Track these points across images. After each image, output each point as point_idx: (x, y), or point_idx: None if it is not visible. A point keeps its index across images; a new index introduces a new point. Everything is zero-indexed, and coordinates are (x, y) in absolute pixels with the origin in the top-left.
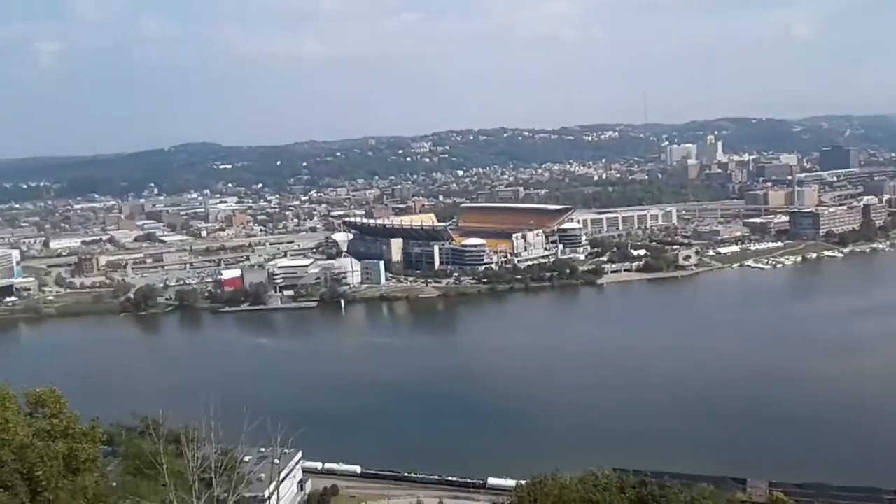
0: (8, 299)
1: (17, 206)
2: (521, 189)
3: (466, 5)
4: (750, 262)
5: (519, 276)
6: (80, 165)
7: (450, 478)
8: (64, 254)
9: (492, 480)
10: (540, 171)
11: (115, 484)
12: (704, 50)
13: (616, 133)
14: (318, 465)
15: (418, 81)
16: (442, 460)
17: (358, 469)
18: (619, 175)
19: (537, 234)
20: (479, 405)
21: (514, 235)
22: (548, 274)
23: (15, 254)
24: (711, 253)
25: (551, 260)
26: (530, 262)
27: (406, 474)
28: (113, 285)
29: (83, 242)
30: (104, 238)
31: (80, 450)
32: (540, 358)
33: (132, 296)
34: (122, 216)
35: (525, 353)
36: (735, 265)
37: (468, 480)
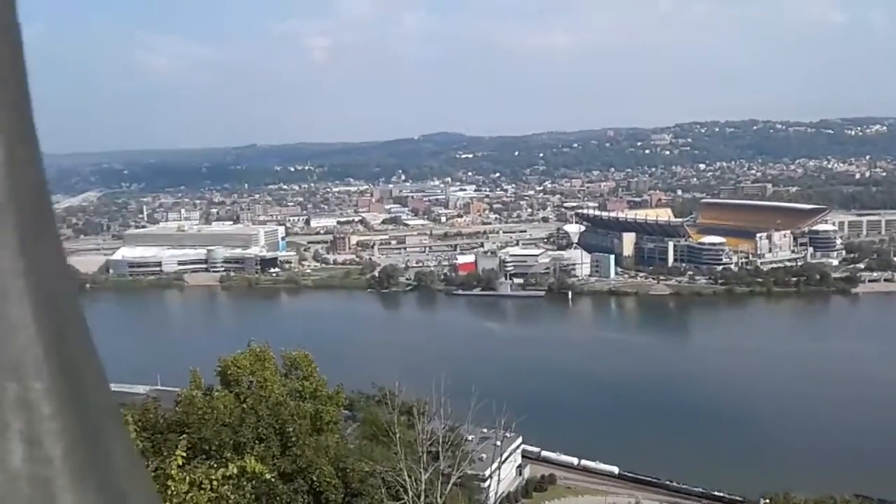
0: (273, 270)
1: (286, 187)
2: (769, 186)
3: None
4: None
5: (760, 280)
6: (340, 152)
7: (668, 482)
8: (322, 232)
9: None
10: (792, 166)
11: (352, 446)
12: None
13: (885, 127)
14: (537, 450)
15: (664, 71)
16: (660, 463)
17: (575, 461)
18: (885, 174)
19: (784, 235)
20: (704, 411)
21: (758, 235)
22: (794, 279)
23: (281, 230)
24: None
25: (799, 264)
26: (774, 265)
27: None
28: (361, 263)
29: (338, 222)
30: (356, 219)
31: (325, 412)
32: (777, 368)
33: (377, 274)
34: (373, 200)
35: (761, 362)
36: None
37: (684, 487)
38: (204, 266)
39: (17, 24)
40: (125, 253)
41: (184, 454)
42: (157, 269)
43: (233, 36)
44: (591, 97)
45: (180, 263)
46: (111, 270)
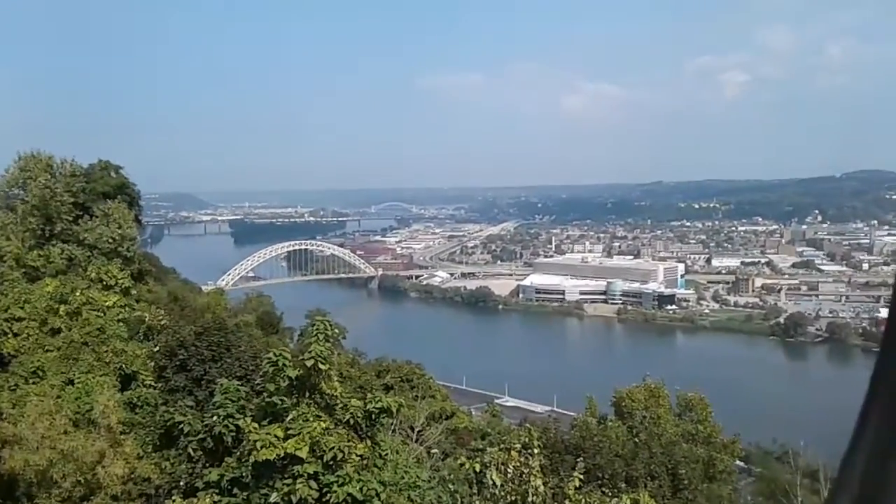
0: (669, 307)
1: (689, 224)
2: None
3: None
4: None
5: None
6: (749, 189)
7: None
8: (723, 272)
9: None
10: None
11: (744, 501)
12: None
13: None
14: None
15: None
16: None
17: None
18: None
19: None
20: None
21: None
22: None
23: (681, 267)
24: None
25: None
26: None
27: None
28: (765, 308)
29: (742, 263)
30: (762, 261)
31: (719, 460)
32: None
33: (782, 321)
34: (783, 241)
35: None
36: None
37: None
38: (603, 297)
39: None
40: (534, 279)
41: (581, 477)
42: (561, 296)
43: (646, 73)
44: None
45: (581, 293)
46: (521, 294)
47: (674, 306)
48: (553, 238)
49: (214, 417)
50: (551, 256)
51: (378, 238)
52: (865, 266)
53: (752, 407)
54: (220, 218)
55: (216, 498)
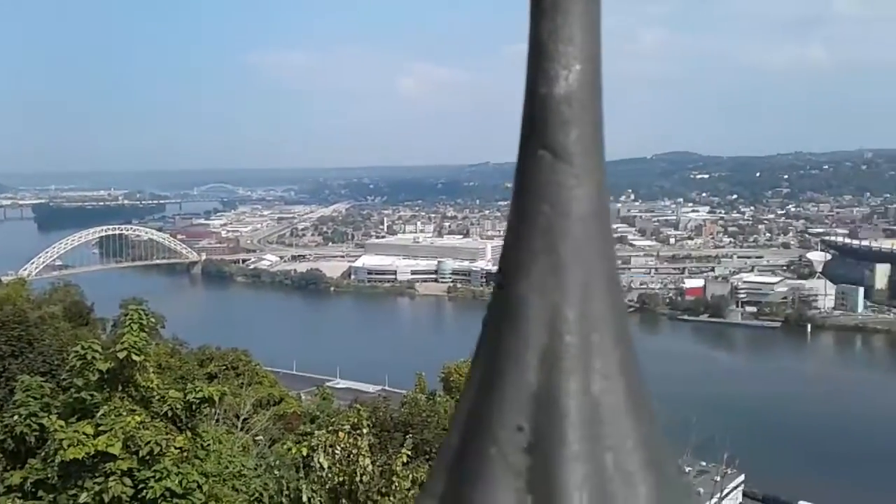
0: None
1: None
2: None
3: None
4: None
5: None
6: None
7: None
8: None
9: None
10: None
11: None
12: None
13: None
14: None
15: None
16: None
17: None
18: None
19: None
20: None
21: None
22: None
23: None
24: None
25: None
26: None
27: None
28: None
29: None
30: None
31: None
32: None
33: None
34: None
35: None
36: None
37: None
38: (434, 276)
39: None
40: (366, 261)
41: (408, 453)
42: (393, 276)
43: (468, 57)
44: (846, 115)
45: (413, 273)
46: (353, 276)
47: None
48: (385, 219)
49: (15, 417)
50: (383, 237)
51: (201, 221)
52: (672, 241)
53: None
54: (21, 202)
55: (19, 503)
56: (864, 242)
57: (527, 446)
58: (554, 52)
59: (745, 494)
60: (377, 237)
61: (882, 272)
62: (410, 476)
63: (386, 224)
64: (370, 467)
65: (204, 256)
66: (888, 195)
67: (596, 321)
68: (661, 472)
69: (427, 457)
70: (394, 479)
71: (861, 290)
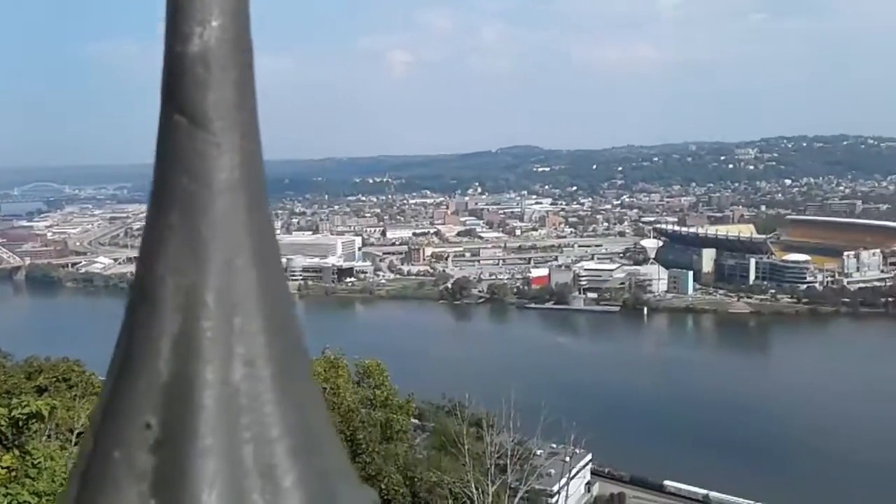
0: (349, 280)
1: (364, 198)
2: (859, 203)
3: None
4: None
5: (847, 300)
6: (418, 164)
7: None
8: (397, 243)
9: None
10: (884, 183)
11: (421, 456)
12: None
13: None
14: (606, 469)
15: (750, 85)
16: (740, 488)
17: (626, 475)
18: None
19: (873, 254)
20: (773, 433)
21: (846, 254)
22: (883, 299)
23: (358, 241)
24: None
25: (889, 284)
26: (862, 285)
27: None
28: (435, 275)
29: (414, 234)
30: (431, 231)
31: (396, 420)
32: (861, 393)
33: (450, 286)
34: (448, 212)
35: (841, 386)
36: None
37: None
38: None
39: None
40: None
41: None
42: None
43: (315, 50)
44: (673, 111)
45: None
46: None
47: (353, 279)
48: None
49: None
50: None
51: (23, 223)
52: (518, 232)
53: (426, 366)
54: None
55: None
56: (692, 229)
57: (153, 444)
58: (188, 7)
59: (593, 472)
60: None
61: (708, 256)
62: None
63: None
64: None
65: (28, 261)
66: (711, 185)
67: (239, 303)
68: (312, 462)
69: None
70: None
71: (690, 273)
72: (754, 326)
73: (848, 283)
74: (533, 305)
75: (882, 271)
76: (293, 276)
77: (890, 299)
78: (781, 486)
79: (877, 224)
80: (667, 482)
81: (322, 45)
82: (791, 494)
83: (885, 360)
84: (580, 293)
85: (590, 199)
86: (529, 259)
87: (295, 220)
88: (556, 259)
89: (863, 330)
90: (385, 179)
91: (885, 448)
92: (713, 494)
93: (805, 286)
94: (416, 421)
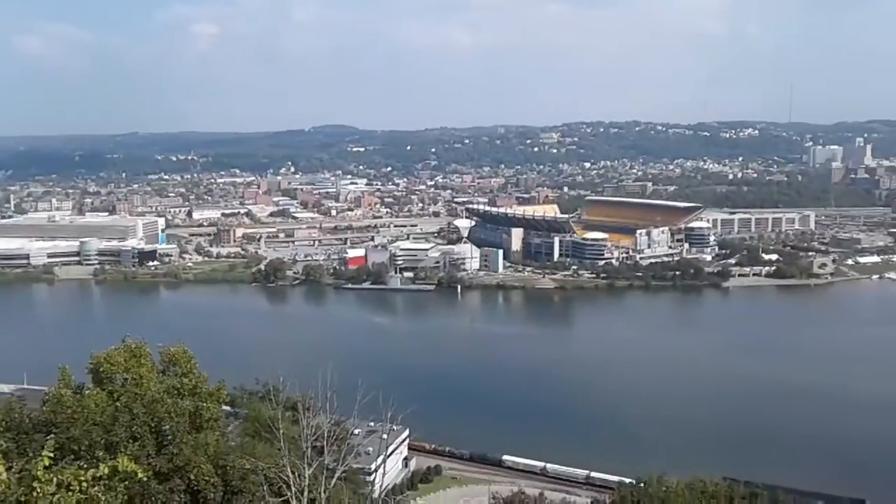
0: (151, 263)
1: (167, 177)
2: (650, 184)
3: None
4: (892, 275)
5: (640, 274)
6: (226, 142)
7: (550, 466)
8: (205, 224)
9: (595, 475)
10: (671, 166)
11: (233, 443)
12: (863, 48)
13: (756, 131)
14: (425, 444)
15: (554, 72)
16: (544, 450)
17: (466, 452)
18: (755, 175)
19: (662, 232)
20: (584, 399)
21: (638, 232)
22: (670, 273)
23: (161, 222)
24: (850, 262)
25: (675, 259)
26: (653, 260)
27: (509, 460)
28: (247, 256)
29: (223, 214)
30: (242, 211)
31: (206, 409)
32: (654, 358)
33: (263, 268)
34: (260, 192)
35: (637, 353)
36: (875, 277)
37: (570, 470)
38: (76, 259)
39: None
40: None
41: (51, 454)
42: (25, 261)
43: (112, 19)
44: (482, 95)
45: (50, 256)
46: None
47: (156, 262)
48: (11, 196)
49: None
50: (11, 217)
51: None
52: (333, 212)
53: (238, 351)
54: None
55: None
56: (502, 209)
57: None
58: None
59: (410, 447)
60: (4, 217)
61: (517, 235)
62: (55, 479)
63: (13, 202)
64: (4, 475)
65: None
66: (519, 167)
67: None
68: None
69: (75, 456)
70: (35, 484)
71: (500, 252)
72: (559, 301)
73: (640, 258)
74: (350, 286)
75: (670, 247)
76: (88, 259)
77: (677, 273)
78: (590, 447)
79: (665, 204)
80: (505, 457)
81: (119, 14)
82: (603, 453)
83: (672, 329)
84: (397, 273)
85: (405, 179)
86: (346, 240)
87: (88, 201)
88: (372, 239)
89: (653, 301)
90: (190, 157)
91: (677, 405)
92: (550, 466)
93: (603, 262)
94: (229, 408)
